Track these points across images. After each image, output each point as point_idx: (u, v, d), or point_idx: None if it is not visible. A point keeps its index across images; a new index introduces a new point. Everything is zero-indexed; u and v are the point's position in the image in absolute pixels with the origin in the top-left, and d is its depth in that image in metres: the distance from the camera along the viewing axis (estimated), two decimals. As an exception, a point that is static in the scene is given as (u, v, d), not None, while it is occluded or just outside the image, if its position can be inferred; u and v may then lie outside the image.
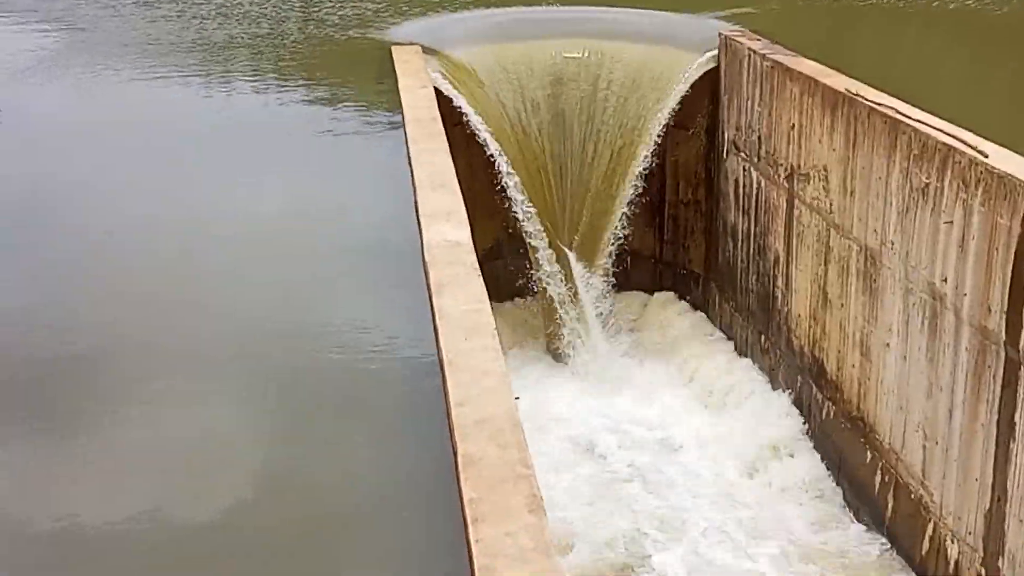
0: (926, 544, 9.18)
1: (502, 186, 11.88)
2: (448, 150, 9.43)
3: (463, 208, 8.12)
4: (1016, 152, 8.16)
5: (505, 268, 12.97)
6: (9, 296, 7.87)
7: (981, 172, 8.08)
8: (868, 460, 10.02)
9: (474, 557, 4.58)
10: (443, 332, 6.34)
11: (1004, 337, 7.91)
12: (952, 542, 8.82)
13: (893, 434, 9.58)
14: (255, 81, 13.04)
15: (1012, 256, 7.75)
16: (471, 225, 7.91)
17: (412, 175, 8.88)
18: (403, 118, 10.37)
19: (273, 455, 6.38)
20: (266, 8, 15.95)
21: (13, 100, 12.11)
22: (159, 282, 8.12)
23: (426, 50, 12.73)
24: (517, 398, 5.89)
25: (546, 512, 4.85)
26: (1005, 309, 7.88)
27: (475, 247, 7.55)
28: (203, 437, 6.49)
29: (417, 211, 8.15)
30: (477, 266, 7.16)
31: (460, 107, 11.66)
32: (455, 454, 5.31)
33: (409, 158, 9.30)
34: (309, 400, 6.89)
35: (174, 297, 7.94)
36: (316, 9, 15.86)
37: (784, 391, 11.65)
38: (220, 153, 10.53)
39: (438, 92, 11.40)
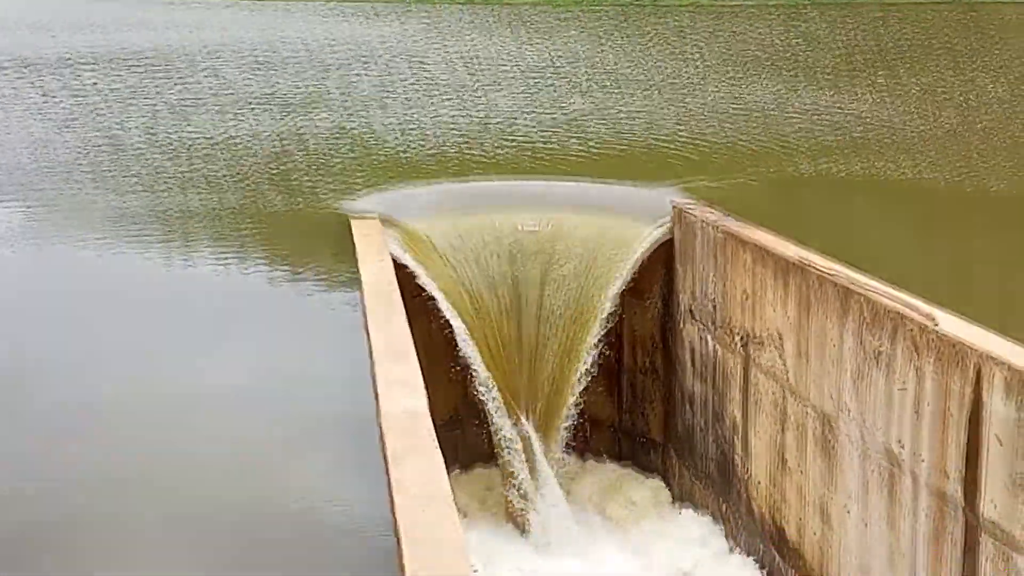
0: None
1: (460, 355, 11.92)
2: (406, 320, 9.49)
3: (420, 378, 8.13)
4: (965, 318, 8.33)
5: (464, 436, 12.93)
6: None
7: (932, 338, 8.23)
8: (833, 630, 9.89)
9: None
10: (399, 503, 6.28)
11: (962, 502, 7.93)
12: None
13: (857, 602, 9.48)
14: (217, 252, 13.13)
15: (966, 420, 7.84)
16: (429, 394, 7.92)
17: (370, 345, 8.91)
18: (361, 289, 10.45)
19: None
20: (235, 177, 16.15)
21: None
22: (106, 456, 8.01)
23: (385, 221, 12.92)
24: (475, 570, 5.81)
25: None
26: (962, 474, 7.92)
27: (433, 416, 7.54)
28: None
29: (374, 381, 8.15)
30: (434, 435, 7.13)
31: (418, 278, 11.78)
32: (412, 629, 5.20)
33: (367, 329, 9.34)
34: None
35: (123, 470, 7.83)
36: (296, 181, 16.06)
37: (746, 558, 11.54)
38: (176, 325, 10.53)
39: (396, 263, 11.53)
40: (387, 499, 6.55)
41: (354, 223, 12.83)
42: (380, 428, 7.31)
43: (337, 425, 8.46)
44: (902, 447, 8.62)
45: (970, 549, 7.91)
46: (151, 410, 8.79)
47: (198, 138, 19.50)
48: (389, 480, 6.62)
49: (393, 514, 6.27)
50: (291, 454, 8.11)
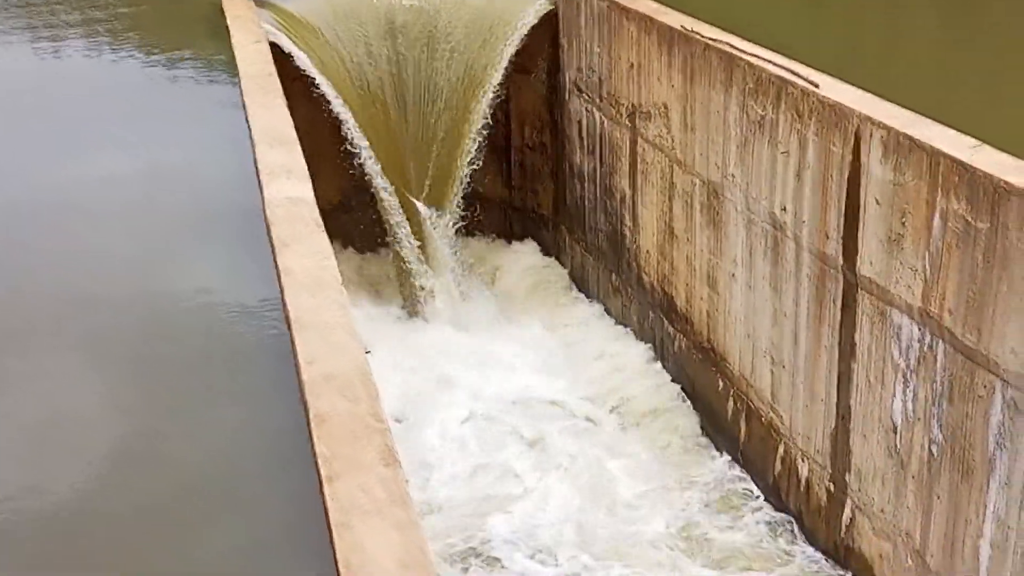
0: (778, 465, 9.48)
1: (345, 138, 11.72)
2: (286, 105, 9.24)
3: (303, 163, 7.98)
4: (846, 82, 8.38)
5: (354, 221, 12.83)
6: None
7: (813, 103, 8.28)
8: (720, 388, 10.28)
9: (330, 514, 4.54)
10: (288, 290, 6.25)
11: (842, 262, 8.17)
12: (802, 461, 9.13)
13: (743, 361, 9.83)
14: (87, 38, 12.58)
15: (845, 183, 7.99)
16: (316, 180, 7.79)
17: (250, 133, 8.68)
18: (238, 74, 10.11)
19: (128, 423, 6.23)
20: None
21: None
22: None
23: (258, 1, 12.43)
24: (368, 352, 5.85)
25: (401, 464, 4.84)
26: (841, 235, 8.12)
27: (321, 201, 7.44)
28: (54, 410, 6.30)
29: (257, 169, 7.98)
30: (320, 221, 7.05)
31: (296, 60, 11.42)
32: (306, 412, 5.25)
33: (246, 115, 9.09)
34: (160, 365, 6.74)
35: (13, 266, 7.67)
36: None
37: (636, 327, 11.85)
38: (49, 114, 10.16)
39: (273, 45, 11.15)
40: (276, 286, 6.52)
41: (226, 4, 12.33)
42: (265, 216, 7.20)
43: (224, 214, 8.34)
44: (785, 212, 8.78)
45: (848, 306, 8.19)
46: (36, 205, 8.55)
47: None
48: (277, 268, 6.57)
49: (283, 300, 6.25)
50: (175, 245, 8.00)
